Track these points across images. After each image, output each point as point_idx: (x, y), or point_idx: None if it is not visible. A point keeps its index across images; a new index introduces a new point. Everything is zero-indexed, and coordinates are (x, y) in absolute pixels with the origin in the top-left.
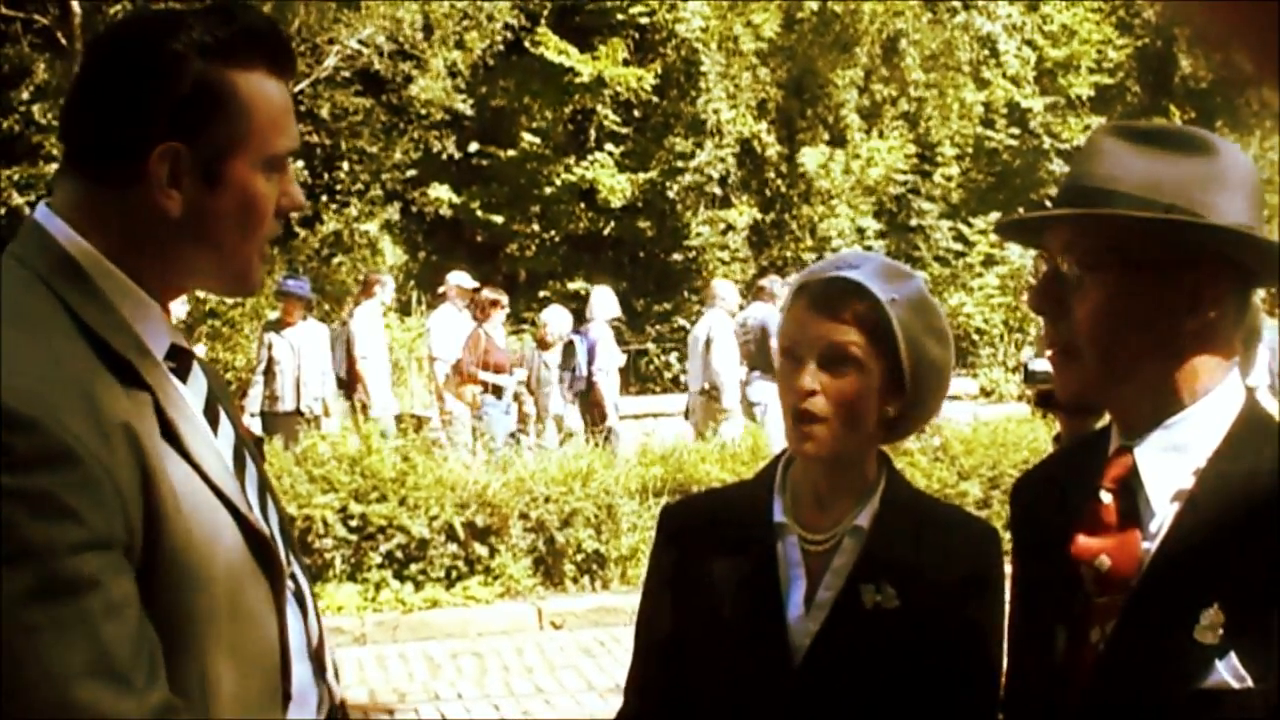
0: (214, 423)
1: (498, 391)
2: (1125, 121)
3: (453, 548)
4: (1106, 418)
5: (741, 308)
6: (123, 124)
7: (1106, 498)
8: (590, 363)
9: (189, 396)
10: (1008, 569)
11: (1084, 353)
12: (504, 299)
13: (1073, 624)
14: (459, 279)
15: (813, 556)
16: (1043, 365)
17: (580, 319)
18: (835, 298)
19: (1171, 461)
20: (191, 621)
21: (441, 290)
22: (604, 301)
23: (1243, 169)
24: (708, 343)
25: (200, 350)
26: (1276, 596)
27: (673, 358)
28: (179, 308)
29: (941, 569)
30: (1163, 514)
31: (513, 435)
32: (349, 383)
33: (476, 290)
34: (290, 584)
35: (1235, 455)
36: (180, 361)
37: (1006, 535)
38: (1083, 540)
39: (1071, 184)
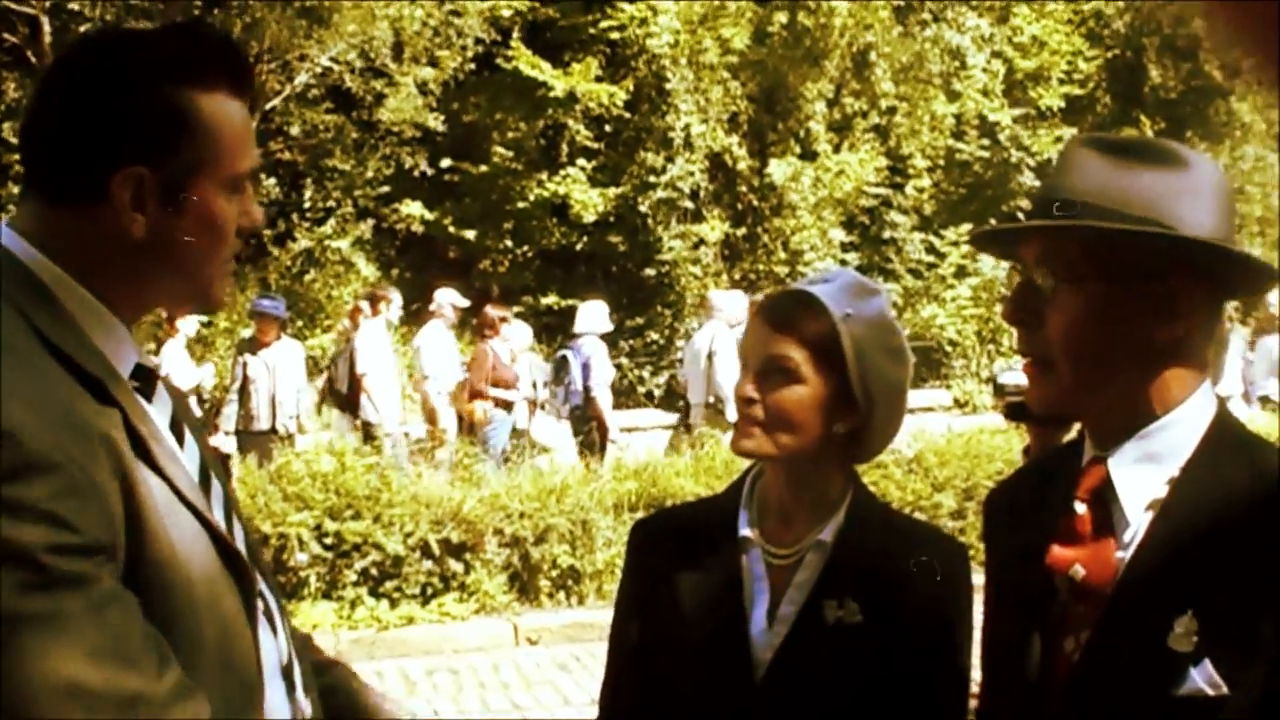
0: (179, 441)
1: (507, 406)
2: (1098, 134)
3: (428, 564)
4: (1075, 429)
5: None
6: (85, 145)
7: (1081, 508)
8: (586, 378)
9: (155, 415)
10: (978, 582)
11: (1058, 363)
12: (510, 314)
13: (1048, 634)
14: (450, 297)
15: (777, 571)
16: (1012, 378)
17: (554, 334)
18: (785, 312)
19: (1145, 472)
20: (177, 629)
21: (432, 308)
22: (595, 315)
23: (1214, 181)
24: (710, 355)
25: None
26: (1250, 604)
27: (645, 372)
28: (189, 325)
29: (907, 584)
30: (1136, 524)
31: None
32: (351, 399)
33: (468, 309)
34: (260, 602)
35: (1208, 465)
36: (145, 381)
37: (979, 547)
38: (1057, 550)
39: (1045, 195)
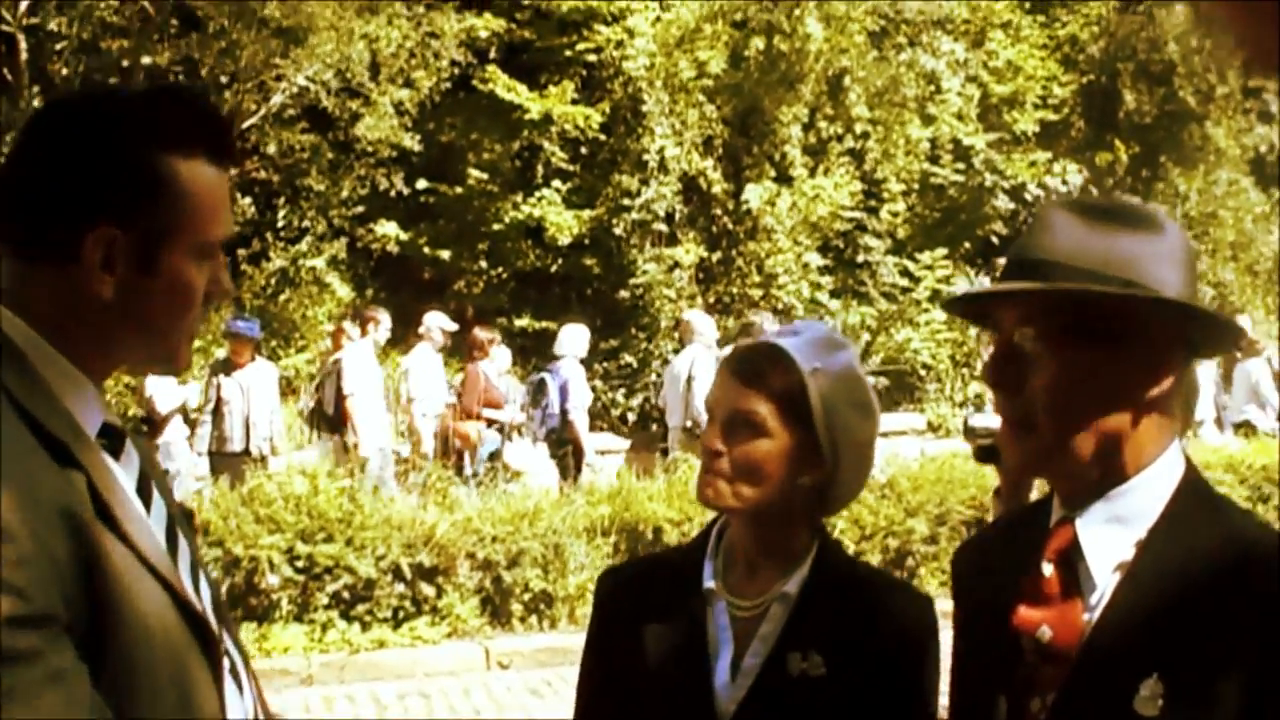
0: (147, 499)
1: (497, 427)
2: (1072, 197)
3: (400, 588)
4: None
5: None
6: (60, 205)
7: (1048, 569)
8: (564, 401)
9: (121, 475)
10: (946, 636)
11: (1042, 426)
12: (497, 336)
13: (1014, 694)
14: (439, 320)
15: (741, 623)
16: (982, 420)
17: (528, 356)
18: (753, 365)
19: (1113, 533)
20: (139, 699)
21: (420, 330)
22: (574, 339)
23: (1184, 244)
24: (689, 379)
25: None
26: (1215, 668)
27: (619, 394)
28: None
29: (872, 637)
30: (1104, 585)
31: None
32: (337, 419)
33: (456, 331)
34: (226, 660)
35: (1176, 527)
36: (113, 439)
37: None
38: (1024, 611)
39: (1022, 257)
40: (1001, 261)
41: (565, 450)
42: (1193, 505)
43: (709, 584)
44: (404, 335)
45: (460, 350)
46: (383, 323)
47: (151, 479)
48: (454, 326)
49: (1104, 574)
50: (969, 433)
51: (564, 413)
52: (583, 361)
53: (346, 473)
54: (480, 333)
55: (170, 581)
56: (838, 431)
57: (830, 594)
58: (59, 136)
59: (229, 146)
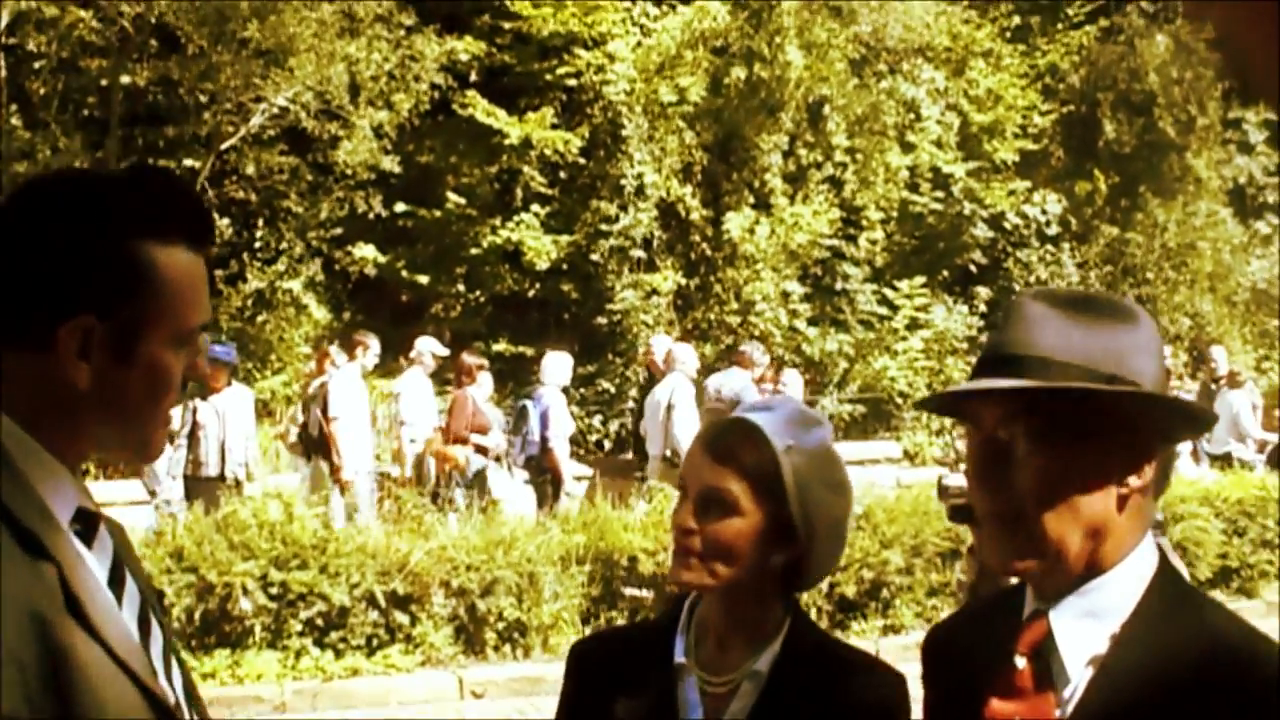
0: (120, 584)
1: (484, 452)
2: (1046, 289)
3: (374, 615)
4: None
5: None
6: (37, 295)
7: (1021, 662)
8: (544, 428)
9: (94, 563)
10: (917, 713)
11: (1030, 520)
12: (486, 363)
13: None
14: (430, 345)
15: (712, 699)
16: (956, 480)
17: (504, 380)
18: (726, 442)
19: (1087, 627)
20: None
21: (412, 355)
22: (557, 367)
23: (1156, 332)
24: (669, 408)
25: None
26: None
27: (596, 420)
28: None
29: (843, 717)
30: (1077, 680)
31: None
32: (321, 443)
33: (448, 357)
34: None
35: (1150, 622)
36: (86, 524)
37: (925, 603)
38: (996, 704)
39: (1008, 352)
40: (980, 290)
41: (544, 478)
42: (1167, 600)
43: (680, 659)
44: (382, 360)
45: (439, 375)
46: (371, 348)
47: (125, 564)
48: (445, 351)
49: (1077, 668)
50: (943, 492)
51: (544, 440)
52: (564, 389)
53: (321, 499)
54: (468, 358)
55: (141, 677)
56: (811, 510)
57: (801, 672)
58: (37, 223)
59: (208, 232)
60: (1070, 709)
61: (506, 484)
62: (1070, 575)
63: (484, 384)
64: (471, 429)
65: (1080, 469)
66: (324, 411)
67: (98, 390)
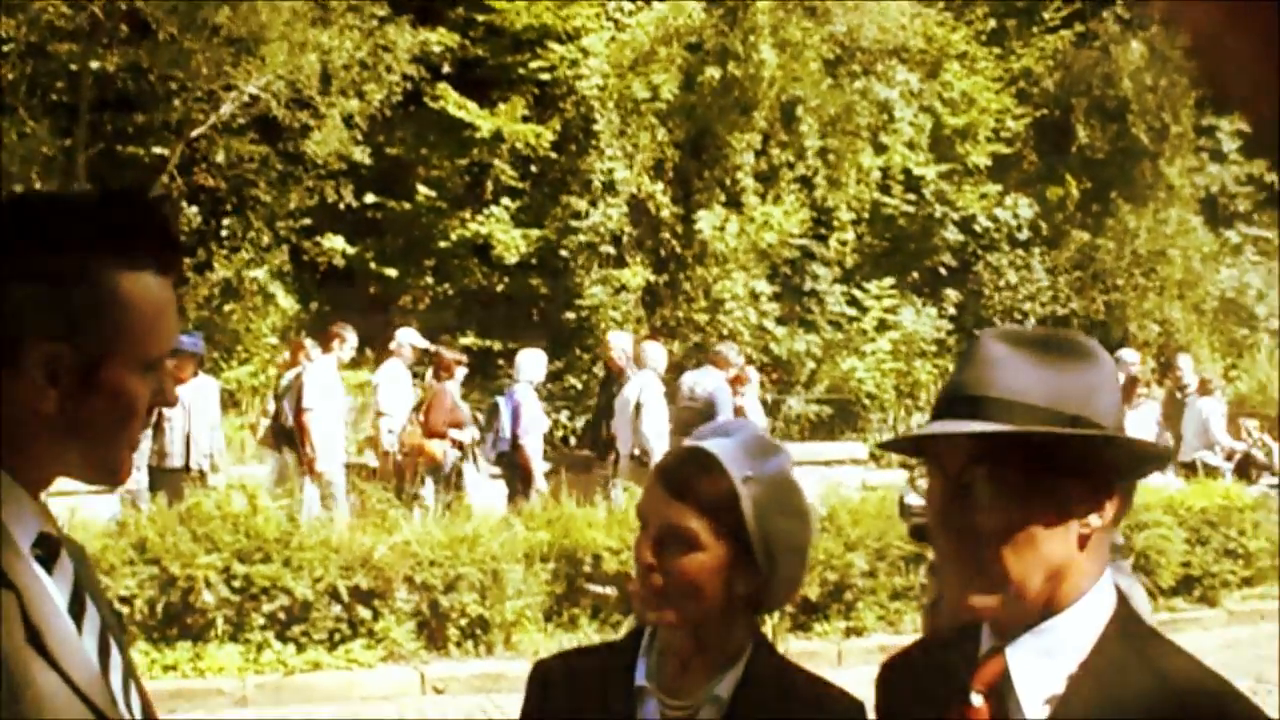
0: (80, 611)
1: (461, 447)
2: (1005, 329)
3: (336, 610)
4: None
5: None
6: (4, 320)
7: (977, 700)
8: (515, 425)
9: (55, 589)
10: None
11: (990, 560)
12: (463, 357)
13: None
14: (410, 337)
15: None
16: (917, 500)
17: (471, 374)
18: (683, 476)
19: (1044, 665)
20: None
21: (392, 347)
22: (531, 364)
23: (1114, 370)
24: (638, 406)
25: None
26: None
27: (563, 416)
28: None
29: None
30: (1034, 718)
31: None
32: (291, 435)
33: (429, 349)
34: None
35: (1107, 661)
36: (48, 550)
37: (889, 606)
38: None
39: (970, 394)
40: (950, 293)
41: (515, 474)
42: (1125, 639)
43: (641, 682)
44: (389, 354)
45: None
46: (348, 341)
47: (85, 589)
48: (425, 343)
49: (1034, 707)
50: (904, 511)
51: (514, 437)
52: (537, 386)
53: (286, 492)
54: (447, 353)
55: (100, 707)
56: (772, 540)
57: (762, 698)
58: (4, 247)
59: (176, 258)
60: None
61: (476, 479)
62: (1029, 614)
63: (460, 379)
64: (449, 424)
65: (1042, 510)
66: (298, 403)
67: (63, 415)
